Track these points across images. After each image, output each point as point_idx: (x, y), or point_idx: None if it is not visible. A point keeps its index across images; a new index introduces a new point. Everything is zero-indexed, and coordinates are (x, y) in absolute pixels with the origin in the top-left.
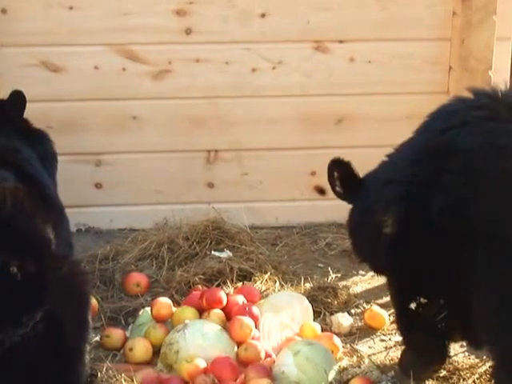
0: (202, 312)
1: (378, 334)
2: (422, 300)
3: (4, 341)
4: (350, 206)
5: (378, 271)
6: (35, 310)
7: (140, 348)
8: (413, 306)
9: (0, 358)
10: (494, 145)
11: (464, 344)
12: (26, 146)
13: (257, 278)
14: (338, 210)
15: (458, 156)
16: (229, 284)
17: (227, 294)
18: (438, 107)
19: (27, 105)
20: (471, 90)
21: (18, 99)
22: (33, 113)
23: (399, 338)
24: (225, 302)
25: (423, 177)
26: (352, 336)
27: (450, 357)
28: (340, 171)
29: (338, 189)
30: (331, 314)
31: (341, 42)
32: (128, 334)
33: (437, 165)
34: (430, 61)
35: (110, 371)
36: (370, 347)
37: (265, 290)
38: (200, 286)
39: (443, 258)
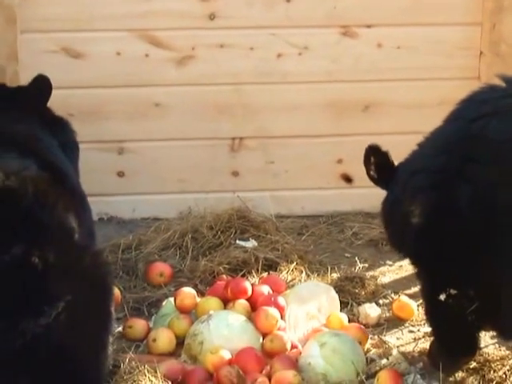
0: (226, 302)
1: (407, 324)
2: (452, 291)
3: (25, 331)
4: (377, 195)
5: (410, 260)
6: (57, 300)
7: (163, 339)
8: (442, 296)
9: (22, 349)
10: None
11: (494, 335)
12: (48, 135)
13: (282, 268)
14: (365, 198)
15: (488, 146)
16: (254, 274)
17: (252, 284)
18: (468, 95)
19: None
20: (502, 77)
21: (43, 85)
22: (53, 100)
23: (428, 329)
24: (250, 293)
25: (452, 166)
26: (380, 327)
27: (480, 349)
28: (376, 157)
29: (372, 173)
30: (358, 304)
31: (368, 26)
32: (151, 324)
33: (466, 154)
34: (460, 46)
35: (133, 362)
36: (398, 338)
37: (291, 280)
38: (224, 276)
39: (472, 247)
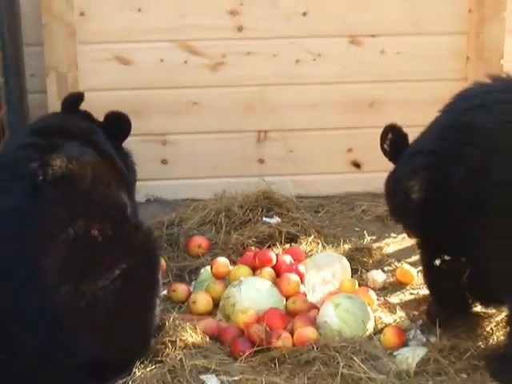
0: (254, 270)
1: (408, 288)
2: (447, 258)
3: (87, 293)
4: (382, 178)
5: (410, 231)
6: (113, 267)
7: (202, 301)
8: (438, 262)
9: (84, 308)
10: (506, 123)
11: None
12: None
13: (302, 241)
14: (372, 181)
15: (477, 132)
16: (278, 246)
17: (277, 255)
18: (461, 90)
19: (104, 93)
20: (490, 76)
21: (121, 123)
22: (107, 100)
23: (426, 292)
24: (274, 261)
25: (446, 149)
26: (385, 290)
27: (471, 307)
28: (394, 135)
29: (385, 147)
30: (367, 271)
31: (373, 36)
32: (191, 289)
33: (459, 139)
34: (450, 52)
35: (177, 321)
36: (401, 300)
37: (309, 251)
38: (253, 248)
39: (464, 220)
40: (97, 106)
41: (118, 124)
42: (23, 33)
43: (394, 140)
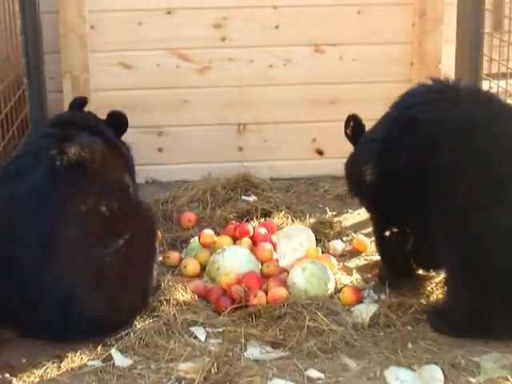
0: (235, 240)
1: (363, 255)
2: (395, 229)
3: (97, 258)
4: (341, 164)
5: (364, 206)
6: (118, 237)
7: (191, 266)
8: (388, 234)
9: (95, 270)
10: (443, 118)
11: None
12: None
13: (274, 215)
14: (333, 166)
15: (419, 125)
16: (254, 220)
17: (253, 227)
18: (407, 90)
19: (110, 92)
20: (431, 78)
21: (120, 121)
22: (113, 98)
23: (378, 258)
24: (252, 233)
25: (394, 139)
26: (344, 257)
27: (415, 271)
28: (355, 122)
29: (348, 131)
30: (328, 240)
31: (333, 45)
32: (183, 255)
33: (404, 131)
34: (397, 58)
35: (170, 282)
36: (356, 264)
37: (280, 224)
38: (234, 221)
39: (408, 199)
40: (104, 102)
41: (117, 121)
42: (44, 42)
43: (354, 127)
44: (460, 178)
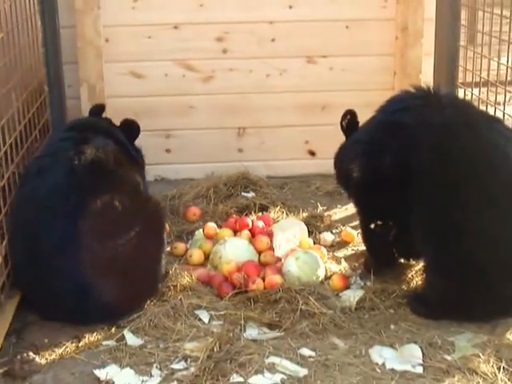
0: (235, 232)
1: (350, 246)
2: (379, 222)
3: (110, 248)
4: (331, 164)
5: (351, 200)
6: (130, 229)
7: (196, 255)
8: (372, 226)
9: (108, 260)
10: (425, 122)
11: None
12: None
13: (271, 210)
14: (324, 165)
15: (402, 128)
16: (253, 214)
17: (252, 220)
18: (392, 96)
19: (122, 99)
20: (413, 86)
21: (132, 127)
22: (125, 104)
23: (364, 248)
24: (250, 226)
25: (379, 141)
26: (333, 247)
27: (397, 260)
28: (351, 116)
29: (343, 123)
30: (319, 233)
31: (324, 57)
32: (188, 246)
33: (388, 133)
34: (381, 68)
35: (177, 270)
36: (344, 254)
37: (276, 218)
38: (234, 215)
39: (391, 194)
40: (117, 108)
41: (130, 128)
42: (63, 54)
43: (350, 120)
44: (437, 177)
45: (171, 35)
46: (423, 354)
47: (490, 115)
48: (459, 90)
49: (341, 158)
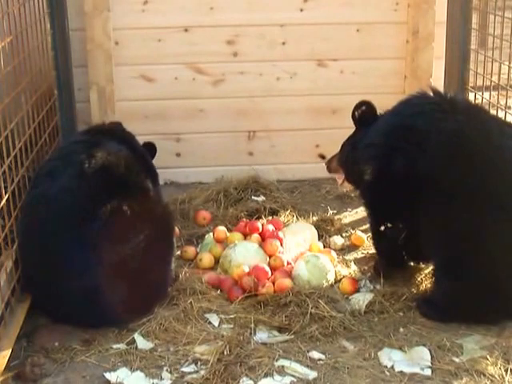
0: (245, 236)
1: (360, 249)
2: (389, 225)
3: (120, 252)
4: None
5: (362, 201)
6: (139, 233)
7: (206, 259)
8: (382, 228)
9: (119, 263)
10: (438, 127)
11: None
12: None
13: (281, 214)
14: None
15: (416, 132)
16: (263, 217)
17: (262, 224)
18: (407, 97)
19: (132, 102)
20: (432, 89)
21: (150, 149)
22: (135, 108)
23: (373, 251)
24: (260, 229)
25: (391, 143)
26: (343, 250)
27: (406, 263)
28: (367, 107)
29: (356, 114)
30: (329, 236)
31: (334, 60)
32: (198, 250)
33: (401, 136)
34: (392, 72)
35: (187, 274)
36: (354, 258)
37: (286, 221)
38: (244, 219)
39: (402, 198)
40: (127, 112)
41: (148, 148)
42: (72, 57)
43: (365, 111)
44: (448, 181)
45: (181, 38)
46: (432, 356)
47: (503, 121)
48: (470, 93)
49: (353, 159)
